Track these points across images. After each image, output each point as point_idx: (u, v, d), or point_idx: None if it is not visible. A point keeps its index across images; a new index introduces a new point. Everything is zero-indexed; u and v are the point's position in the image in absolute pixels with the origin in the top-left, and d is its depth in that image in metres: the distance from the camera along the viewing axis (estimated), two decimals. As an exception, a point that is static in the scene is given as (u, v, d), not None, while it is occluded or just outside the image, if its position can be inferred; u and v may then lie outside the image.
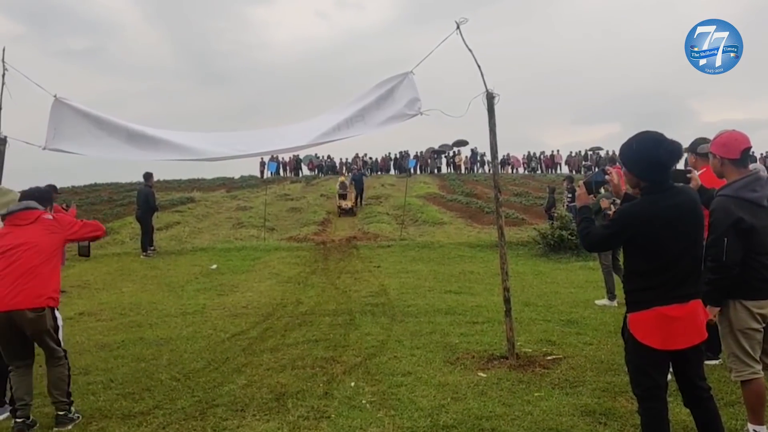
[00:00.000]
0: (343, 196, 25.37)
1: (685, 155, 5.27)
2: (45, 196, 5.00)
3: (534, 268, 12.78)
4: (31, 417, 4.52)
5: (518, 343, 6.24)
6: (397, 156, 45.14)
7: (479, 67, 6.04)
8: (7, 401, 4.91)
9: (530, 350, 6.17)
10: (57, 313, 4.60)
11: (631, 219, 3.20)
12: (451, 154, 45.85)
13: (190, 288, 11.18)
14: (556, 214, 15.94)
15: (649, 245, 3.14)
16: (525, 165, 46.63)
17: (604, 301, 8.50)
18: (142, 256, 15.26)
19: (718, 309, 3.74)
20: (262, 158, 35.48)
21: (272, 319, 8.33)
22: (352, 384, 5.24)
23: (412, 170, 40.53)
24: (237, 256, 15.01)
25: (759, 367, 3.73)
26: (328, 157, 46.36)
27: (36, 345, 4.58)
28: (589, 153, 44.65)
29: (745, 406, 3.88)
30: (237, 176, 41.74)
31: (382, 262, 13.81)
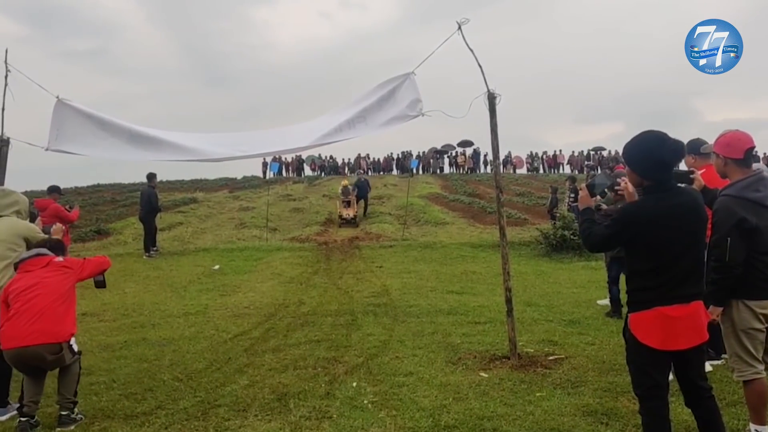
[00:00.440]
0: (346, 203, 22.19)
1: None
2: (58, 245, 5.09)
3: (536, 268, 12.78)
4: (36, 417, 4.54)
5: (520, 343, 6.24)
6: (400, 156, 45.18)
7: (480, 67, 6.05)
8: (10, 401, 4.93)
9: (532, 350, 6.18)
10: (72, 340, 4.68)
11: (633, 218, 3.20)
12: (453, 154, 45.87)
13: (192, 288, 11.20)
14: (558, 214, 15.93)
15: (650, 245, 3.14)
16: (528, 165, 46.59)
17: (606, 301, 8.47)
18: (144, 257, 15.29)
19: (721, 309, 3.74)
20: (264, 159, 35.48)
21: (274, 319, 8.34)
22: (354, 384, 5.25)
23: (414, 170, 40.55)
24: (239, 257, 15.03)
25: (761, 367, 3.73)
26: (331, 157, 46.45)
27: None
28: (592, 153, 44.62)
29: (747, 406, 3.88)
30: (240, 177, 41.84)
31: (384, 262, 13.82)
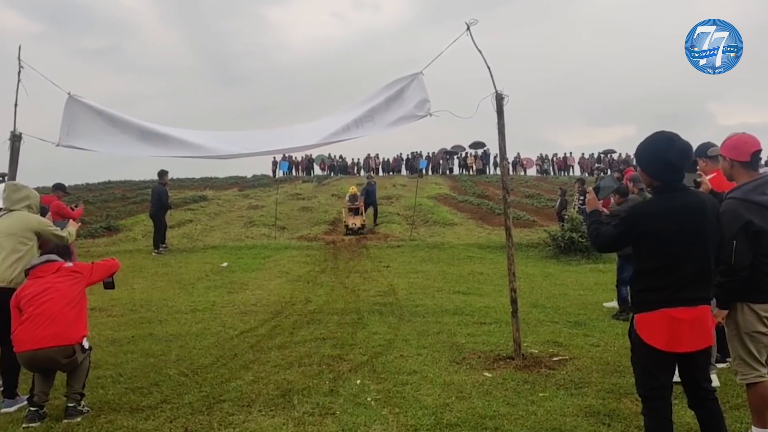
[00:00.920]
0: (353, 212, 20.22)
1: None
2: (65, 251, 5.19)
3: (544, 269, 12.76)
4: (45, 408, 4.60)
5: (525, 344, 6.25)
6: (409, 156, 45.14)
7: (489, 68, 6.07)
8: (19, 393, 5.00)
9: (537, 351, 6.18)
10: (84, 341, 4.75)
11: (639, 217, 3.23)
12: (462, 155, 45.84)
13: (200, 285, 11.27)
14: (566, 216, 15.88)
15: (655, 244, 3.16)
16: (537, 167, 46.49)
17: (612, 304, 8.46)
18: (153, 254, 15.38)
19: (726, 312, 3.74)
20: (274, 157, 35.61)
21: (281, 317, 8.39)
22: (358, 382, 5.28)
23: (423, 171, 40.55)
24: (248, 255, 15.09)
25: (765, 370, 3.73)
26: (340, 157, 46.49)
27: None
28: (602, 155, 44.48)
29: (750, 409, 3.88)
30: (249, 175, 41.99)
31: (391, 262, 13.85)
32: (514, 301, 6.02)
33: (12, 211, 5.15)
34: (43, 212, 6.38)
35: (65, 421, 4.51)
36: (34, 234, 5.15)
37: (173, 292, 10.58)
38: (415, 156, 43.51)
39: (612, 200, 9.04)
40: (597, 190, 3.76)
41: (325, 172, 45.86)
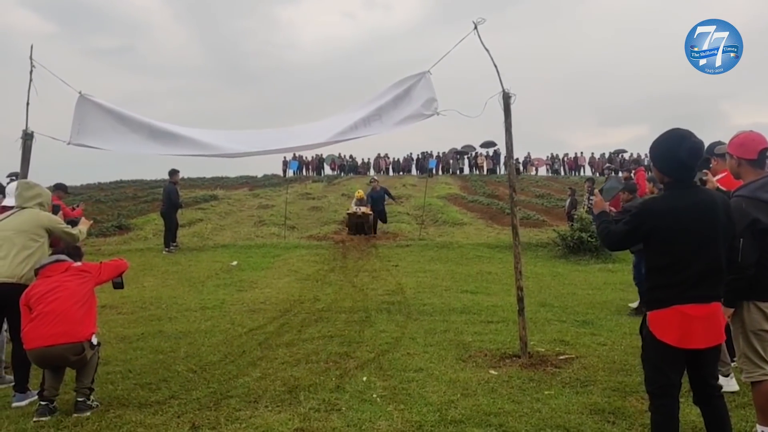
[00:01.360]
0: (359, 204, 18.65)
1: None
2: (75, 251, 5.25)
3: (552, 269, 12.75)
4: (55, 402, 4.67)
5: (531, 343, 6.26)
6: (419, 156, 45.15)
7: (496, 66, 6.09)
8: (29, 388, 5.07)
9: (543, 350, 6.19)
10: (93, 338, 4.84)
11: (649, 213, 3.26)
12: (473, 155, 45.78)
13: (210, 284, 11.34)
14: (576, 216, 15.84)
15: (664, 240, 3.19)
16: (548, 166, 46.37)
17: (637, 303, 8.40)
18: (164, 252, 15.49)
19: (732, 310, 3.74)
20: (284, 157, 35.74)
21: (289, 315, 8.44)
22: (364, 379, 5.31)
23: (433, 171, 40.54)
24: (257, 254, 15.16)
25: None
26: (350, 157, 46.58)
27: None
28: (613, 155, 44.28)
29: (755, 408, 3.87)
30: (260, 175, 42.15)
31: (400, 261, 13.86)
32: (520, 300, 6.03)
33: (24, 208, 5.22)
34: (54, 211, 6.46)
35: (75, 415, 4.56)
36: (44, 231, 5.23)
37: (183, 290, 10.66)
38: (425, 156, 43.52)
39: (621, 199, 9.04)
40: (602, 191, 3.78)
41: (335, 172, 45.96)
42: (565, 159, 46.00)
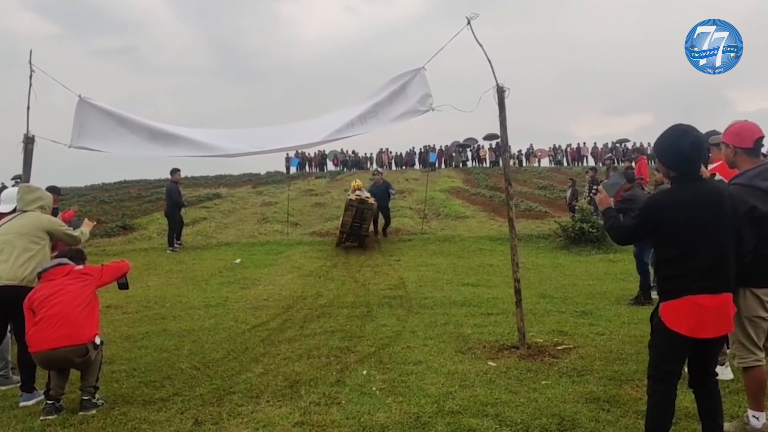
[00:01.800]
0: (354, 209, 14.91)
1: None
2: (78, 255, 5.35)
3: (554, 260, 12.81)
4: (61, 401, 4.77)
5: (530, 334, 6.34)
6: (422, 150, 45.17)
7: (489, 61, 6.12)
8: (36, 387, 5.17)
9: (542, 340, 6.26)
10: (96, 339, 4.89)
11: (656, 206, 3.37)
12: (475, 147, 45.78)
13: (213, 281, 11.45)
14: (577, 207, 15.88)
15: (673, 233, 3.26)
16: (550, 157, 46.34)
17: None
18: (168, 251, 15.60)
19: None
20: (287, 154, 35.85)
21: (292, 311, 8.53)
22: (364, 372, 5.39)
23: (435, 164, 40.58)
24: (261, 251, 15.26)
25: (762, 354, 3.80)
26: (353, 152, 46.62)
27: None
28: (617, 145, 44.21)
29: (747, 393, 3.94)
30: (263, 172, 42.25)
31: (402, 255, 13.94)
32: (518, 291, 6.11)
33: (25, 212, 5.32)
34: (54, 213, 6.55)
35: (81, 413, 4.66)
36: (45, 233, 5.32)
37: (187, 289, 10.76)
38: (428, 150, 43.55)
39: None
40: (605, 187, 3.85)
41: (338, 168, 46.01)
42: (568, 150, 45.95)
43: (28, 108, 5.97)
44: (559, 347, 5.97)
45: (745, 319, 3.77)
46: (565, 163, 45.15)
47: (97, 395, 4.87)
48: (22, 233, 5.18)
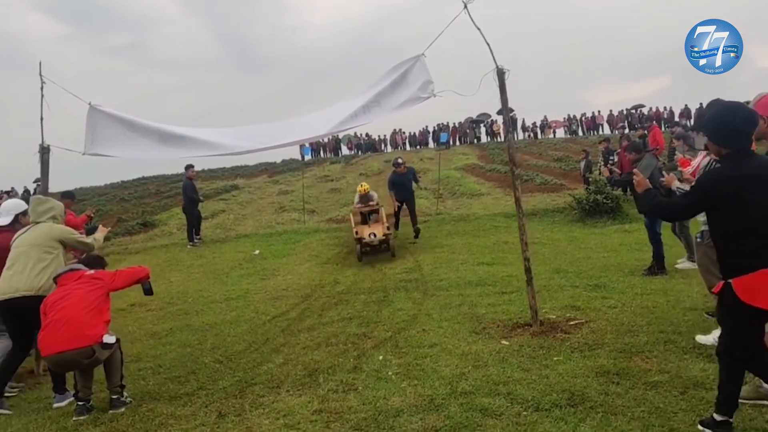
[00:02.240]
0: (365, 216, 13.10)
1: None
2: (96, 261, 5.50)
3: (569, 234, 12.85)
4: (91, 401, 4.98)
5: (543, 310, 6.45)
6: (435, 129, 45.04)
7: (488, 45, 6.14)
8: (68, 389, 5.39)
9: (554, 316, 6.35)
10: (105, 338, 4.91)
11: (714, 184, 3.41)
12: (489, 122, 45.55)
13: (234, 274, 11.68)
14: (591, 179, 15.84)
15: (735, 209, 3.29)
16: (565, 128, 45.96)
17: (684, 264, 8.48)
18: (188, 246, 15.86)
19: None
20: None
21: (310, 299, 8.71)
22: (380, 357, 5.54)
23: (449, 142, 40.51)
24: (279, 241, 15.45)
25: None
26: (367, 135, 46.58)
27: None
28: (632, 111, 43.69)
29: None
30: (279, 161, 42.42)
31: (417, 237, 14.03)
32: (528, 270, 6.20)
33: (38, 223, 5.52)
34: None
35: (111, 411, 4.87)
36: (58, 243, 5.52)
37: (208, 283, 11.00)
38: (442, 128, 43.41)
39: (628, 159, 9.11)
40: (641, 168, 3.95)
41: (353, 152, 46.08)
42: (583, 119, 45.51)
43: (42, 119, 6.17)
44: (572, 322, 6.06)
45: None
46: (581, 133, 44.74)
47: (124, 393, 5.07)
48: (35, 244, 5.39)
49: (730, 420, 3.44)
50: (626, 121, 39.97)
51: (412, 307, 7.49)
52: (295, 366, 5.61)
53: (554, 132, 45.70)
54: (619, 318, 6.07)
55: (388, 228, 12.23)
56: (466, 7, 6.16)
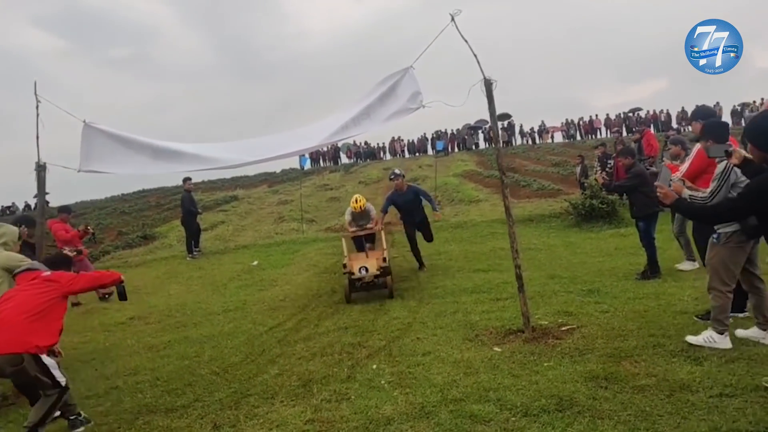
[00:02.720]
0: (361, 242, 10.80)
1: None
2: (60, 260, 5.40)
3: (565, 239, 12.91)
4: (83, 414, 5.00)
5: (537, 316, 6.52)
6: (434, 136, 45.23)
7: (475, 56, 6.23)
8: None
9: (546, 322, 6.41)
10: (45, 358, 4.60)
11: (761, 192, 3.61)
12: (486, 128, 45.69)
13: (232, 285, 11.75)
14: (586, 184, 15.90)
15: None
16: (563, 132, 46.10)
17: (685, 265, 8.57)
18: (187, 258, 15.94)
19: None
20: (298, 151, 36.10)
21: (307, 309, 8.77)
22: (374, 367, 5.61)
23: (447, 150, 40.67)
24: (277, 251, 15.53)
25: None
26: (365, 143, 46.78)
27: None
28: (629, 114, 43.80)
29: None
30: (278, 170, 42.62)
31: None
32: (519, 277, 6.27)
33: None
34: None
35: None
36: (3, 271, 5.54)
37: (206, 295, 11.07)
38: (440, 135, 43.60)
39: (622, 164, 9.17)
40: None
41: (352, 160, 46.25)
42: (581, 123, 45.66)
43: (38, 137, 6.28)
44: (564, 328, 6.12)
45: None
46: (579, 137, 44.87)
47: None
48: None
49: None
50: (624, 125, 39.99)
51: (407, 315, 7.56)
52: (290, 377, 5.67)
53: (552, 137, 45.85)
54: (610, 323, 6.14)
55: (384, 260, 9.27)
56: (453, 20, 6.25)
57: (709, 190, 4.82)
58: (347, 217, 11.08)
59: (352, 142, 45.72)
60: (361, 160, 45.95)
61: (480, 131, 46.17)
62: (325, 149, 45.19)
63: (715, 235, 5.15)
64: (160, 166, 6.62)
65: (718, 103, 35.89)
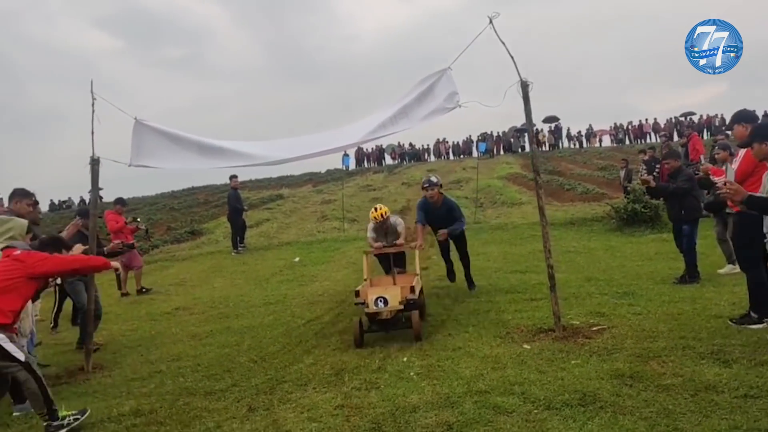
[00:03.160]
0: (387, 261, 8.83)
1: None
2: (52, 243, 5.31)
3: (606, 243, 12.83)
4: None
5: (568, 316, 6.57)
6: (478, 138, 45.05)
7: (512, 58, 6.33)
8: None
9: (578, 322, 6.46)
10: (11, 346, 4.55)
11: None
12: (534, 131, 45.32)
13: (274, 280, 12.07)
14: (630, 188, 15.73)
15: None
16: (612, 136, 45.39)
17: (728, 269, 8.48)
18: (233, 254, 16.38)
19: None
20: (345, 152, 36.57)
21: (344, 305, 8.97)
22: (405, 359, 5.77)
23: (494, 151, 40.54)
24: (318, 249, 15.84)
25: None
26: (410, 144, 46.90)
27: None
28: (680, 119, 42.87)
29: None
30: (323, 170, 43.11)
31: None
32: (551, 277, 6.35)
33: None
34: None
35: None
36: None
37: (249, 288, 11.40)
38: (485, 137, 43.42)
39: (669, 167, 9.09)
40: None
41: (396, 161, 46.43)
42: (630, 127, 44.86)
43: (93, 132, 6.66)
44: (594, 328, 6.16)
45: None
46: (627, 141, 44.10)
47: (56, 423, 4.62)
48: None
49: None
50: (675, 129, 39.14)
51: (441, 313, 7.69)
52: (323, 366, 5.87)
53: (600, 140, 45.19)
54: (641, 324, 6.16)
55: (413, 289, 6.81)
56: (491, 22, 6.37)
57: None
58: (369, 234, 9.17)
59: (396, 144, 45.94)
60: (405, 161, 46.09)
61: (526, 134, 45.79)
62: (369, 150, 45.56)
63: None
64: (205, 161, 6.94)
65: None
